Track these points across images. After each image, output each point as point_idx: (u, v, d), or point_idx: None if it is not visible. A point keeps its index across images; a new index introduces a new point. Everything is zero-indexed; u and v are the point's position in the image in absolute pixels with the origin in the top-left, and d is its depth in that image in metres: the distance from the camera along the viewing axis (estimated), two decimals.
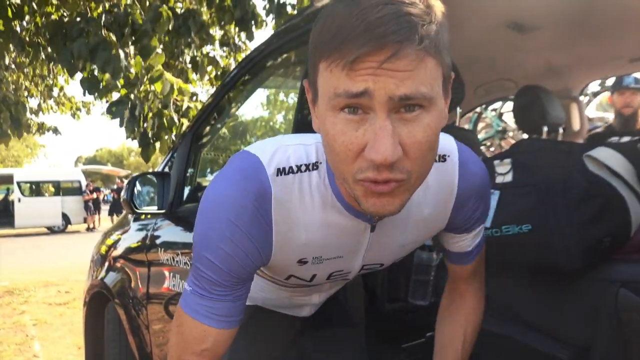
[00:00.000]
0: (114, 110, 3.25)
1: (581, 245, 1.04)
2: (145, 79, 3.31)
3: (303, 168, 0.77)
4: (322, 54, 0.62)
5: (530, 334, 1.21)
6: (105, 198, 21.52)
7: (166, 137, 3.50)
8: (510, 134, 5.03)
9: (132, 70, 3.22)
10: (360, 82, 0.59)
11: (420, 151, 0.63)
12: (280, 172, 0.75)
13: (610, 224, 1.07)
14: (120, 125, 3.35)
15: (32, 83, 6.26)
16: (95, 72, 3.22)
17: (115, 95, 3.71)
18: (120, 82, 3.25)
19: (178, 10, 4.40)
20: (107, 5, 3.46)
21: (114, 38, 3.14)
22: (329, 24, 0.61)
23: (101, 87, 3.31)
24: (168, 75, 3.41)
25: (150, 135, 3.43)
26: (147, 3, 3.93)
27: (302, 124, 1.48)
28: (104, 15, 3.22)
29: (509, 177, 1.18)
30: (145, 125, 3.35)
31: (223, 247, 0.74)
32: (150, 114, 3.35)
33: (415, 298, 1.69)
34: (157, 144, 3.52)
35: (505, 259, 1.16)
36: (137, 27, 3.16)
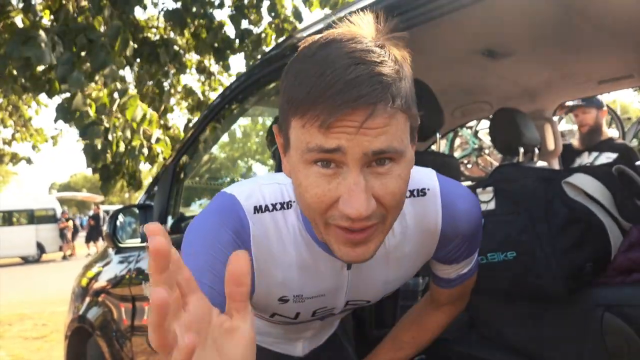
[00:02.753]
0: (88, 132, 3.19)
1: (565, 271, 1.07)
2: (115, 106, 3.27)
3: (278, 206, 0.78)
4: (295, 110, 0.63)
5: (516, 357, 1.22)
6: (81, 223, 21.05)
7: (126, 169, 3.42)
8: (487, 151, 5.13)
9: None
10: (334, 139, 0.60)
11: (394, 200, 0.65)
12: (257, 209, 0.77)
13: (591, 249, 1.10)
14: (84, 152, 3.27)
15: (7, 113, 6.16)
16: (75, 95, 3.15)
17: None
18: (92, 110, 3.20)
19: (152, 37, 4.41)
20: (63, 16, 3.40)
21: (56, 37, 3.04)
22: (301, 80, 0.62)
23: (76, 115, 3.26)
24: (141, 103, 3.38)
25: (112, 167, 3.38)
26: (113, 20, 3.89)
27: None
28: (59, 27, 3.16)
29: (491, 205, 1.20)
30: (110, 155, 3.29)
31: (204, 282, 0.73)
32: (121, 142, 3.29)
33: None
34: (119, 178, 3.45)
35: (491, 285, 1.18)
36: (92, 39, 3.10)
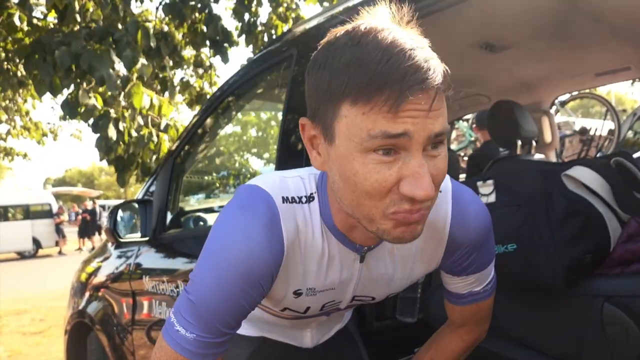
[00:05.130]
0: (100, 124, 3.18)
1: (564, 263, 1.08)
2: (121, 95, 3.26)
3: (304, 200, 0.79)
4: (354, 98, 0.62)
5: (517, 348, 1.24)
6: (69, 218, 20.93)
7: (141, 159, 3.43)
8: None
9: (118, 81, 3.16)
10: (401, 124, 0.61)
11: (440, 179, 0.67)
12: (285, 200, 0.77)
13: (590, 240, 1.11)
14: (96, 146, 3.28)
15: (2, 108, 6.13)
16: (79, 90, 3.15)
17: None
18: (99, 102, 3.20)
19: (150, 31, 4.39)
20: (83, 23, 3.41)
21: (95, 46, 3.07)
22: (356, 67, 0.61)
23: (82, 110, 3.26)
24: (146, 90, 3.37)
25: (125, 157, 3.38)
26: (127, 18, 3.88)
27: (285, 151, 1.50)
28: (82, 30, 3.17)
29: (492, 198, 1.21)
30: (123, 146, 3.29)
31: (201, 328, 0.74)
32: (133, 130, 3.29)
33: (403, 315, 1.71)
34: (133, 168, 3.46)
35: None
36: (117, 38, 3.11)
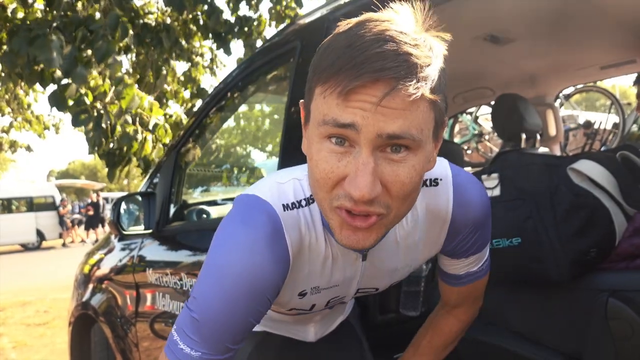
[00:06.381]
0: (81, 119, 3.16)
1: (569, 257, 1.08)
2: (111, 92, 3.24)
3: (303, 203, 0.77)
4: (318, 79, 0.62)
5: (521, 342, 1.24)
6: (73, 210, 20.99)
7: (129, 156, 3.39)
8: (487, 137, 5.13)
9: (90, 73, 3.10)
10: (350, 114, 0.59)
11: (403, 191, 0.63)
12: (286, 207, 0.75)
13: (596, 235, 1.10)
14: (86, 139, 3.26)
15: (4, 101, 6.13)
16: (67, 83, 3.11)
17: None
18: (89, 98, 3.18)
19: (152, 23, 4.37)
20: (69, 11, 3.37)
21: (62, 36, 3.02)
22: (330, 51, 0.62)
23: (70, 103, 3.24)
24: (137, 91, 3.35)
25: (116, 154, 3.35)
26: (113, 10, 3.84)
27: (289, 144, 1.49)
28: (59, 19, 3.13)
29: (497, 191, 1.21)
30: (111, 144, 3.26)
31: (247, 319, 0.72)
32: (118, 128, 3.25)
33: (406, 309, 1.71)
34: (124, 164, 3.43)
35: (496, 270, 1.18)
36: (93, 29, 3.06)
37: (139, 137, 3.31)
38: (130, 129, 3.27)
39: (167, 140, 3.53)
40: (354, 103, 0.58)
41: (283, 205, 0.75)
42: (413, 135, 0.60)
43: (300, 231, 0.76)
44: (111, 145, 3.28)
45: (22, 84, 5.43)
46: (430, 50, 0.62)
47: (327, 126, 0.61)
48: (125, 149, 3.32)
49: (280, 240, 0.73)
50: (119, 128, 3.25)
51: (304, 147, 0.72)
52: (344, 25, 0.65)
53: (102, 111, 3.19)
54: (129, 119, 3.29)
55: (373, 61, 0.57)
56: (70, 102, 3.14)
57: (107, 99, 3.21)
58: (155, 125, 3.45)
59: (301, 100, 0.73)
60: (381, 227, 0.65)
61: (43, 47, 2.74)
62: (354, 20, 0.64)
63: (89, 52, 3.04)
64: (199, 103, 4.87)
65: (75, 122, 3.16)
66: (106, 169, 3.57)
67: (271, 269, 0.71)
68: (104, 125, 3.18)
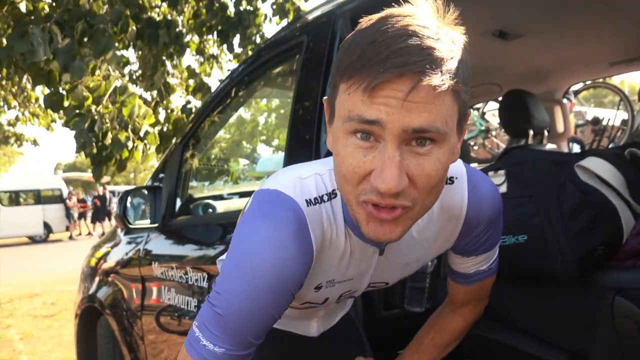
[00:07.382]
0: (71, 125, 3.15)
1: (576, 254, 1.07)
2: (106, 96, 3.22)
3: (326, 198, 0.77)
4: (342, 75, 0.63)
5: (527, 340, 1.23)
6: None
7: (117, 157, 3.38)
8: (494, 133, 5.10)
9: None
10: (375, 110, 0.59)
11: (429, 183, 0.63)
12: (309, 202, 0.75)
13: (603, 232, 1.10)
14: (75, 139, 3.25)
15: (10, 94, 6.15)
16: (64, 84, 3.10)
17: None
18: (88, 101, 3.17)
19: (156, 17, 4.36)
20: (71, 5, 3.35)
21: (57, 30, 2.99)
22: (353, 47, 0.62)
23: (66, 104, 3.23)
24: (139, 100, 3.35)
25: (104, 155, 3.34)
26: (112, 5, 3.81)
27: (294, 139, 1.49)
28: (60, 13, 3.11)
29: (503, 188, 1.20)
30: (99, 144, 3.25)
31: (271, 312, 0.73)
32: (109, 133, 3.23)
33: (411, 305, 1.71)
34: (111, 164, 3.43)
35: (502, 268, 1.18)
36: (94, 23, 3.04)
37: (130, 144, 3.30)
38: (122, 136, 3.26)
39: (152, 148, 3.55)
40: (379, 99, 0.59)
41: (306, 200, 0.75)
42: (438, 129, 0.60)
43: (323, 226, 0.77)
44: (101, 151, 3.27)
45: (28, 77, 5.45)
46: (453, 43, 0.62)
47: (353, 122, 0.61)
48: (115, 154, 3.32)
49: (306, 235, 0.73)
50: (108, 134, 3.24)
51: (328, 143, 0.72)
52: (366, 21, 0.65)
53: (96, 116, 3.18)
54: (119, 125, 3.28)
55: (397, 56, 0.58)
56: (66, 104, 3.13)
57: (104, 103, 3.20)
58: (146, 132, 3.44)
59: (325, 97, 0.73)
60: (407, 220, 0.66)
61: (22, 39, 2.72)
62: (376, 16, 0.64)
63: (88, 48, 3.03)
64: (198, 103, 4.86)
65: (67, 124, 3.16)
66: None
67: (297, 264, 0.72)
68: (96, 129, 3.17)
